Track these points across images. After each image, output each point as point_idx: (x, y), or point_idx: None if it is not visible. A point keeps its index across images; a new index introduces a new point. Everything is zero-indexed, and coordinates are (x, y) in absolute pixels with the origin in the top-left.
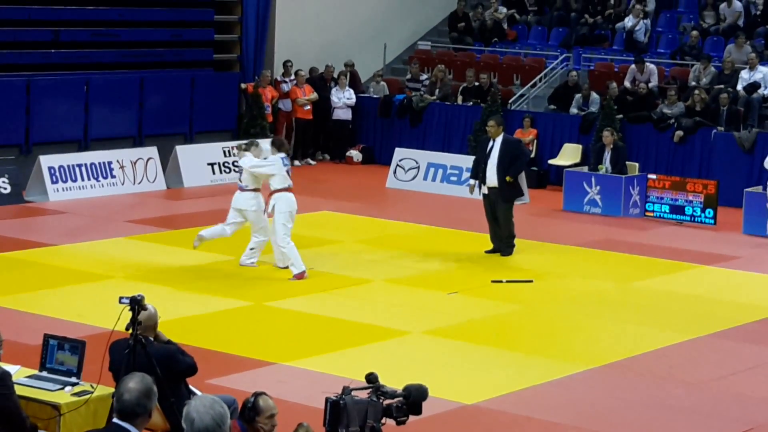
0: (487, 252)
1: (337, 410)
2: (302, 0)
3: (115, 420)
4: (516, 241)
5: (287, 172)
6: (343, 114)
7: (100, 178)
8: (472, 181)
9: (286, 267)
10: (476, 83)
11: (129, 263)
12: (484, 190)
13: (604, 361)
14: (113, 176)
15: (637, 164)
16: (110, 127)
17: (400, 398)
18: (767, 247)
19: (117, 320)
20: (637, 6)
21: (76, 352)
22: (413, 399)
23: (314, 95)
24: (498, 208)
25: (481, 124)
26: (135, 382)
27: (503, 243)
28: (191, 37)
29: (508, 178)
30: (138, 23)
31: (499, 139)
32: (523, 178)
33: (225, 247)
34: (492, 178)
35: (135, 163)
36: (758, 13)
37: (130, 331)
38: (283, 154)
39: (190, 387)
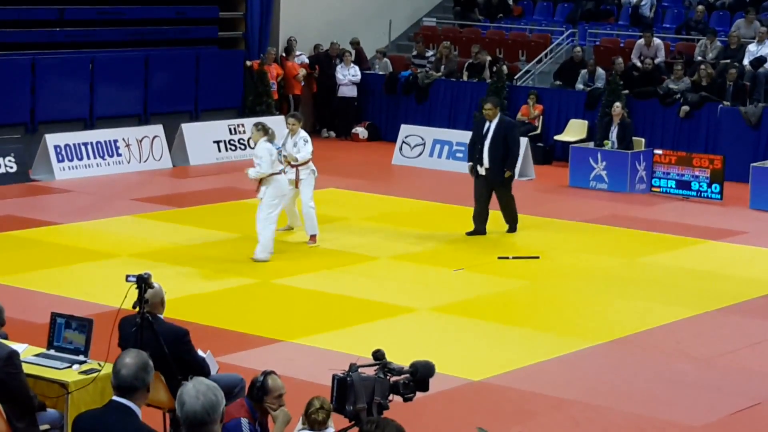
0: (469, 234)
1: (344, 387)
2: None
3: (114, 398)
4: (522, 217)
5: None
6: (348, 91)
7: (106, 157)
8: (469, 164)
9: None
10: (488, 58)
11: (135, 241)
12: (481, 171)
13: (611, 336)
14: (119, 154)
15: (643, 140)
16: (116, 105)
17: (407, 375)
18: None
19: (124, 298)
20: None
21: (83, 331)
22: (420, 376)
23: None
24: (497, 190)
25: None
26: (131, 357)
27: (509, 226)
28: (196, 15)
29: (507, 174)
30: (143, 1)
31: (495, 121)
32: (528, 156)
33: (231, 224)
34: (487, 159)
35: (141, 141)
36: None
37: (137, 308)
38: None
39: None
